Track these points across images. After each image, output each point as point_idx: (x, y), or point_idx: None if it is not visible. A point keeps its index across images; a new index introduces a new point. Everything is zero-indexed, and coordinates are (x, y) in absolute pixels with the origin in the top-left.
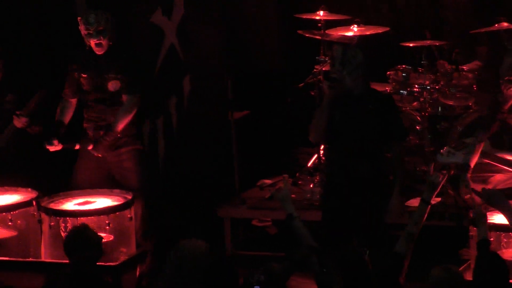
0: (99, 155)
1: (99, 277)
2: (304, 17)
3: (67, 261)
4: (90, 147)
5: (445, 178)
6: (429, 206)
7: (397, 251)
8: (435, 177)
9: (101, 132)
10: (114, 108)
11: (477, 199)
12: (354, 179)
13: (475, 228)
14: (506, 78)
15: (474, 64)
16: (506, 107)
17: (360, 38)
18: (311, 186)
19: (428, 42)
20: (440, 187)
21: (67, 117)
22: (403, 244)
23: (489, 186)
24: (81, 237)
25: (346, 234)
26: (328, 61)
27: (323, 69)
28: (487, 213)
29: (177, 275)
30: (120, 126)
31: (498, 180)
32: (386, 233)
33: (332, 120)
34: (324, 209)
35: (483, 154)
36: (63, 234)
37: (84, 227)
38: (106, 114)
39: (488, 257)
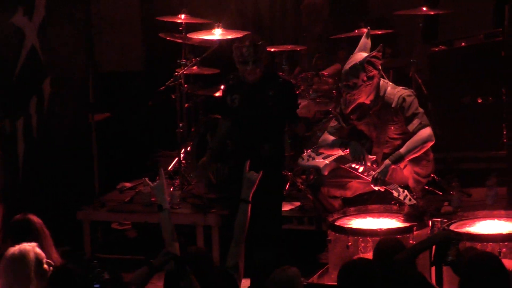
0: None
1: None
2: (166, 20)
3: None
4: None
5: (260, 176)
6: (249, 204)
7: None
8: (251, 174)
9: None
10: None
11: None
12: (257, 158)
13: (333, 233)
14: (344, 83)
15: (334, 69)
16: (347, 111)
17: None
18: (171, 189)
19: (289, 46)
20: (255, 185)
21: None
22: (233, 251)
23: (348, 193)
24: None
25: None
26: (190, 64)
27: None
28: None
29: None
30: None
31: (356, 186)
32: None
33: (232, 105)
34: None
35: (340, 160)
36: None
37: None
38: None
39: None
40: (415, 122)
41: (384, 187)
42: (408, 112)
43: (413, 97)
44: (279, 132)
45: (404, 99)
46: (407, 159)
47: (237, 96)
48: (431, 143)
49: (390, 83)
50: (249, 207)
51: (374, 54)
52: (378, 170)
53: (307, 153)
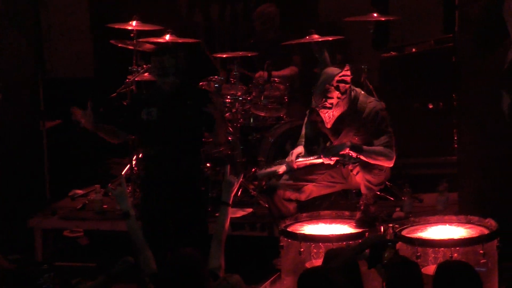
0: None
1: None
2: (116, 27)
3: None
4: None
5: (240, 180)
6: (229, 207)
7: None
8: (231, 178)
9: None
10: None
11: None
12: (176, 173)
13: (285, 239)
14: (321, 105)
15: (291, 69)
16: (330, 126)
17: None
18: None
19: (241, 53)
20: (236, 188)
21: None
22: (214, 252)
23: (303, 196)
24: None
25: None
26: (141, 71)
27: None
28: None
29: None
30: None
31: (311, 189)
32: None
33: (148, 118)
34: (144, 210)
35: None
36: None
37: None
38: None
39: None
40: (383, 138)
41: (334, 158)
42: (378, 127)
43: (385, 113)
44: (199, 143)
45: (377, 113)
46: (362, 157)
47: (154, 109)
48: (388, 164)
49: (362, 92)
50: (229, 209)
51: (343, 73)
52: (334, 145)
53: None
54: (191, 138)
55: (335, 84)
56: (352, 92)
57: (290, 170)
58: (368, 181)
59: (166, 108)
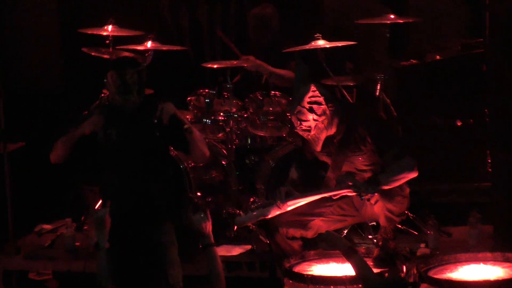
0: None
1: None
2: (89, 32)
3: None
4: None
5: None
6: (214, 247)
7: None
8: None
9: None
10: None
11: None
12: (145, 203)
13: (290, 281)
14: (298, 128)
15: (287, 72)
16: (318, 149)
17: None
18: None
19: (235, 62)
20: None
21: None
22: None
23: (310, 233)
24: None
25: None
26: None
27: None
28: None
29: None
30: None
31: (319, 225)
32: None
33: (107, 141)
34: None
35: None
36: None
37: None
38: None
39: None
40: (391, 151)
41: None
42: (380, 139)
43: (380, 118)
44: (168, 168)
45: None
46: (384, 187)
47: (113, 130)
48: (414, 175)
49: (352, 104)
50: (214, 250)
51: (310, 94)
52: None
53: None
54: (160, 163)
55: (307, 106)
56: (334, 109)
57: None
58: (390, 211)
59: (127, 128)
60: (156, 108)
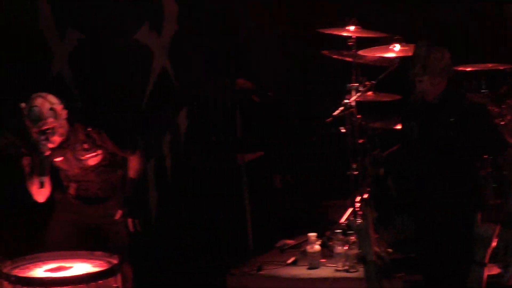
0: None
1: None
2: (327, 32)
3: None
4: None
5: (497, 231)
6: (485, 267)
7: None
8: (485, 229)
9: None
10: None
11: None
12: (437, 210)
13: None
14: None
15: None
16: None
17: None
18: (346, 248)
19: (490, 65)
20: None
21: None
22: None
23: None
24: None
25: None
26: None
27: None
28: None
29: None
30: None
31: None
32: None
33: (407, 136)
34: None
35: None
36: None
37: None
38: None
39: None
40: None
41: None
42: None
43: None
44: (466, 171)
45: None
46: None
47: (414, 124)
48: None
49: None
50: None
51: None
52: None
53: None
54: (453, 166)
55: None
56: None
57: None
58: None
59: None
60: (458, 106)
